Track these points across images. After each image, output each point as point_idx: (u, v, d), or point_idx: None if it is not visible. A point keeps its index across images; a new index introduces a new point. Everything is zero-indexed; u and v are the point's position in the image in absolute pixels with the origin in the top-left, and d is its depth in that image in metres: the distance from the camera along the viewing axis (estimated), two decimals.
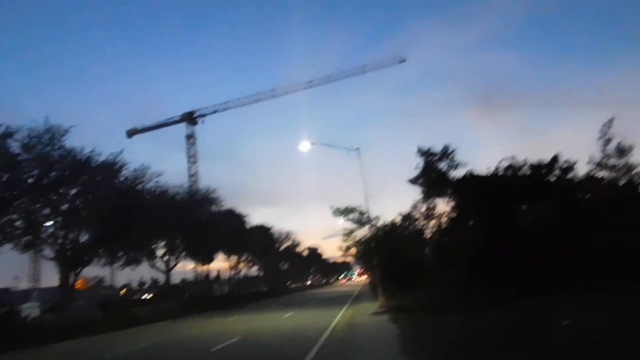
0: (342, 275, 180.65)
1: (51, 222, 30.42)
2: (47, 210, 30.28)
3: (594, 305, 11.23)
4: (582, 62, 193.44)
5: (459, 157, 20.80)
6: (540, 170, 19.31)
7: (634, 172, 18.19)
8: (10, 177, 26.76)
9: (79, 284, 43.72)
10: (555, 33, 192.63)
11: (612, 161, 18.45)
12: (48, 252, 31.10)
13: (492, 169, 19.88)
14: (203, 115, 77.89)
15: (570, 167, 19.10)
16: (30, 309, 36.92)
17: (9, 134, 26.19)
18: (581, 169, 19.17)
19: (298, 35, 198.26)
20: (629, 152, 18.25)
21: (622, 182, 18.28)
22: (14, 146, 26.82)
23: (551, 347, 8.27)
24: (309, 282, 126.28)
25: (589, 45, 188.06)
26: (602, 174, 18.89)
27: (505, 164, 19.70)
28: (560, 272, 14.65)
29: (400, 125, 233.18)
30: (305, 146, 31.11)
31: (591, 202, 18.52)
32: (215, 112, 77.92)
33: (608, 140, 18.37)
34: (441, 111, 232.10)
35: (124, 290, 79.02)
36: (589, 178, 19.00)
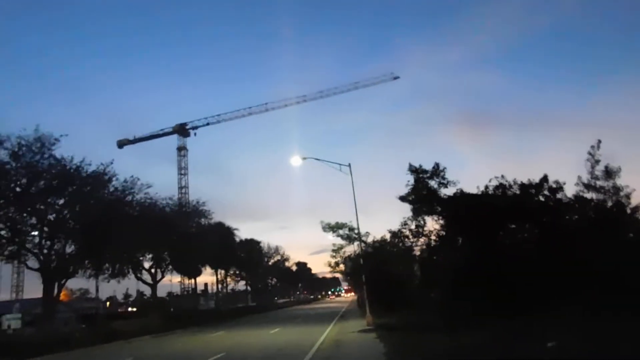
0: (331, 292, 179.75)
1: (37, 232, 29.97)
2: (33, 220, 29.86)
3: (580, 329, 11.21)
4: (569, 83, 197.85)
5: (448, 175, 20.88)
6: (529, 190, 19.42)
7: (621, 194, 18.34)
8: None
9: (62, 296, 42.88)
10: (542, 54, 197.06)
11: (600, 183, 18.58)
12: (32, 262, 30.56)
13: (481, 188, 19.96)
14: (195, 127, 78.05)
15: (558, 188, 19.22)
16: (12, 321, 36.12)
17: None
18: (569, 190, 19.30)
19: (290, 50, 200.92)
20: (617, 175, 18.40)
21: (609, 204, 18.41)
22: (2, 154, 26.60)
23: None
24: (292, 298, 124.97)
25: (576, 67, 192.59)
26: (589, 195, 19.01)
27: (494, 183, 19.79)
28: (547, 293, 14.65)
29: (389, 141, 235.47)
30: (296, 160, 31.08)
31: (579, 223, 18.62)
32: (207, 124, 78.16)
33: (596, 162, 18.53)
34: (430, 128, 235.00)
35: (109, 302, 77.80)
36: (577, 199, 19.10)
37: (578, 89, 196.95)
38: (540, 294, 14.79)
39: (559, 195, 19.16)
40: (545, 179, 19.32)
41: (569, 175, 19.49)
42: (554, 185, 19.21)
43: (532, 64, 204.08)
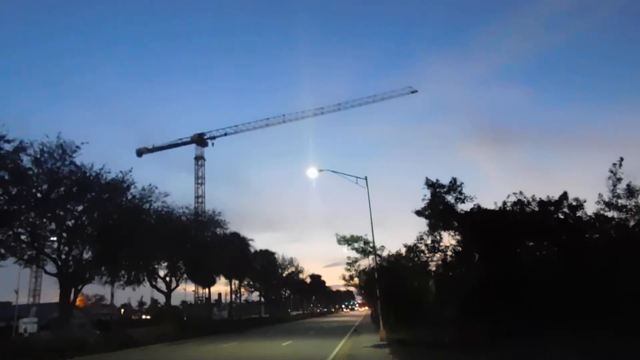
0: (344, 305, 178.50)
1: (55, 238, 30.38)
2: (52, 226, 30.29)
3: (598, 349, 10.90)
4: (590, 101, 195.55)
5: (466, 190, 20.67)
6: (548, 207, 19.12)
7: None
8: (19, 191, 26.94)
9: (78, 302, 43.37)
10: (563, 72, 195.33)
11: (622, 201, 18.19)
12: (50, 267, 30.96)
13: (499, 204, 19.73)
14: (213, 137, 78.75)
15: (579, 206, 18.90)
16: (28, 325, 36.53)
17: (22, 149, 26.49)
18: (589, 208, 18.95)
19: (309, 62, 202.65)
20: (639, 193, 18.02)
21: (631, 223, 18.00)
22: (25, 160, 27.09)
23: None
24: (305, 311, 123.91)
25: (596, 85, 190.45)
26: (611, 214, 18.62)
27: (513, 199, 19.56)
28: (566, 313, 14.31)
29: (407, 155, 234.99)
30: (312, 172, 31.00)
31: (599, 242, 18.23)
32: (225, 134, 78.79)
33: (618, 180, 18.17)
34: (447, 143, 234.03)
35: (124, 309, 78.37)
36: (598, 217, 18.72)
37: (600, 106, 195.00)
38: (558, 312, 14.47)
39: (578, 213, 18.83)
40: (564, 196, 19.01)
41: (589, 193, 19.24)
42: (574, 203, 18.90)
43: (553, 80, 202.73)
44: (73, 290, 31.30)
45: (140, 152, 79.88)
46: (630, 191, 18.04)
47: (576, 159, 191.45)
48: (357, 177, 29.66)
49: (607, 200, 18.49)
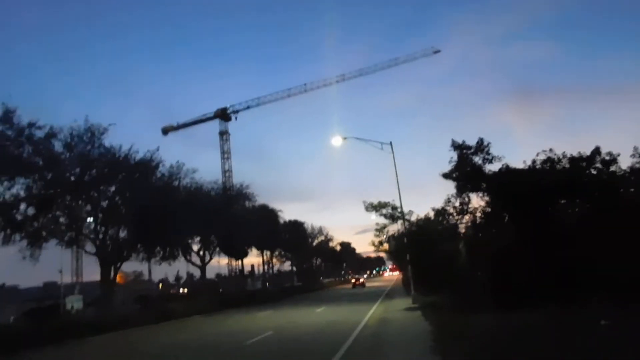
0: (376, 271, 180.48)
1: (92, 219, 31.46)
2: (88, 207, 31.35)
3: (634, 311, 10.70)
4: (623, 49, 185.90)
5: (494, 150, 20.21)
6: (580, 163, 18.56)
7: None
8: (53, 175, 27.86)
9: (118, 279, 45.11)
10: (594, 19, 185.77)
11: None
12: (90, 247, 32.18)
13: (528, 163, 19.27)
14: (236, 111, 78.78)
15: (612, 160, 18.26)
16: (75, 302, 38.41)
17: (53, 134, 27.27)
18: (624, 162, 18.29)
19: (329, 27, 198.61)
20: None
21: None
22: (57, 145, 27.91)
23: (591, 346, 7.99)
24: (336, 279, 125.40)
25: (631, 32, 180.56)
26: None
27: (542, 157, 19.04)
28: (600, 272, 14.04)
29: (432, 118, 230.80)
30: (337, 141, 31.02)
31: (636, 196, 17.69)
32: (248, 107, 78.70)
33: None
34: (475, 104, 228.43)
35: (161, 284, 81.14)
36: (633, 171, 18.11)
37: (627, 54, 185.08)
38: (592, 272, 14.23)
39: (612, 168, 18.23)
40: (597, 151, 18.39)
41: (623, 147, 18.47)
42: (607, 158, 18.27)
43: (584, 30, 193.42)
44: (113, 268, 32.53)
45: (165, 131, 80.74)
46: None
47: (608, 111, 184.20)
48: (382, 143, 29.52)
49: None
